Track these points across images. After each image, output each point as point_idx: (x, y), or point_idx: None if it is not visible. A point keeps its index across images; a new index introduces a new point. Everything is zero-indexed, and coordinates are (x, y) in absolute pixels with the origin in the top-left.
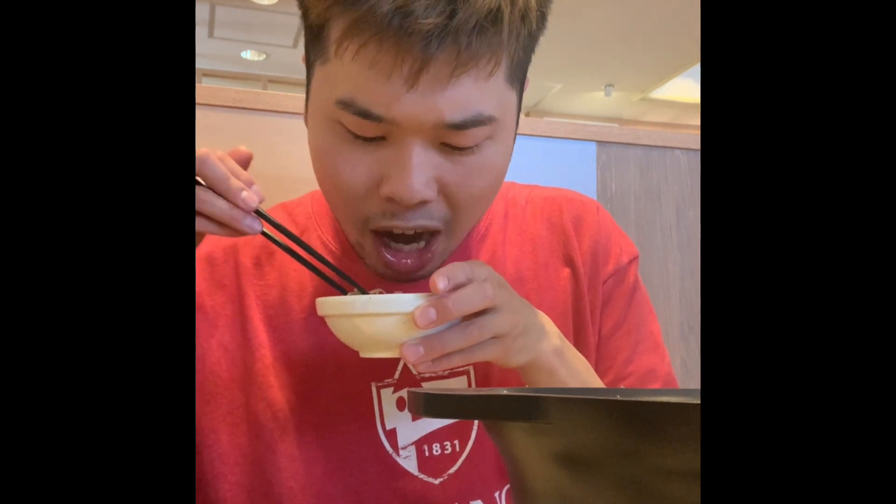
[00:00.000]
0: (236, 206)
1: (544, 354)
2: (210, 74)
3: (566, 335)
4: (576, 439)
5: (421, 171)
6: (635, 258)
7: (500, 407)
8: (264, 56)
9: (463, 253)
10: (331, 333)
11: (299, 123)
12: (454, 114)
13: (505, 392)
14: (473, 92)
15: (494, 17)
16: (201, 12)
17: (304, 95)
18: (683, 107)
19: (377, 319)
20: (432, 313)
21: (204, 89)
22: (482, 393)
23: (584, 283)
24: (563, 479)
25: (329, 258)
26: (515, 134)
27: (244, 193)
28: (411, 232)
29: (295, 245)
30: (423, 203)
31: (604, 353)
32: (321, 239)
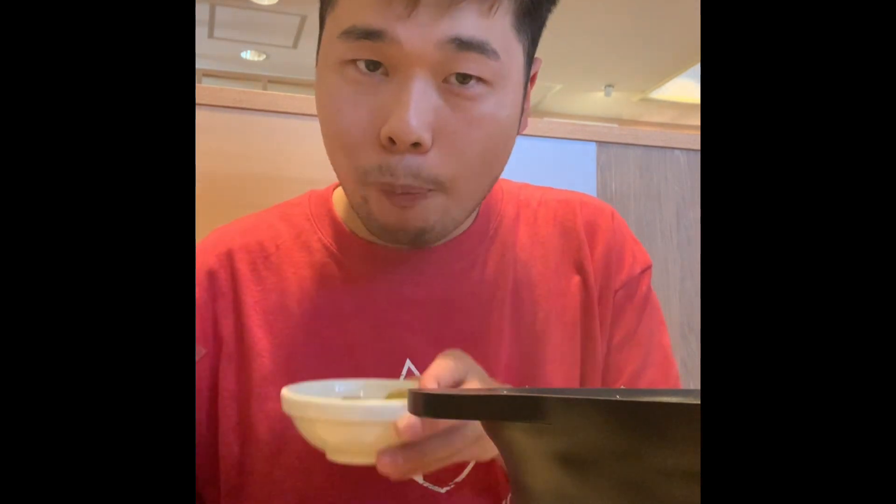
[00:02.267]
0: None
1: None
2: (210, 74)
3: (573, 345)
4: (576, 439)
5: (419, 108)
6: (648, 268)
7: (500, 407)
8: (264, 56)
9: (471, 254)
10: (334, 338)
11: (299, 123)
12: (457, 29)
13: (505, 392)
14: (476, 21)
15: None
16: (201, 12)
17: (304, 96)
18: (683, 107)
19: (354, 427)
20: (418, 426)
21: (204, 89)
22: (482, 393)
23: (594, 292)
24: (563, 479)
25: (329, 258)
26: (522, 104)
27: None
28: (400, 191)
29: None
30: (418, 148)
31: (613, 364)
32: (321, 241)
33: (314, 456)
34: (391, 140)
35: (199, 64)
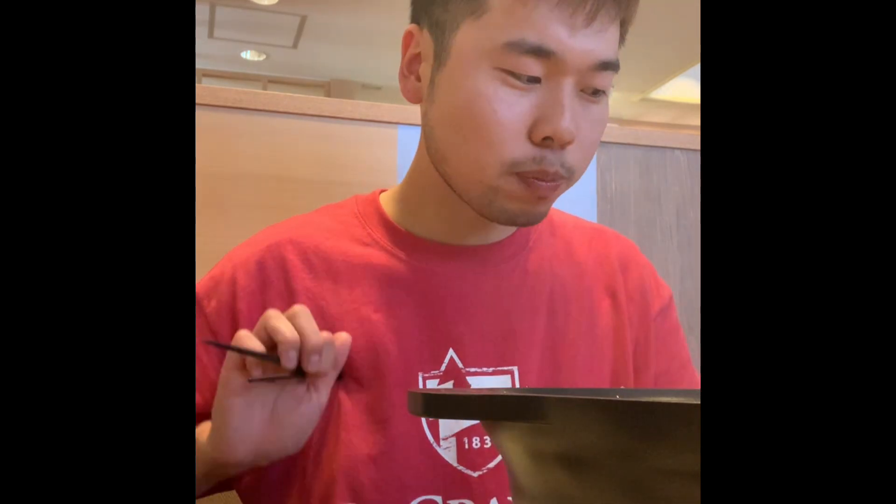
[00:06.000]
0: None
1: None
2: (210, 74)
3: (603, 363)
4: (576, 439)
5: (571, 112)
6: (671, 296)
7: (500, 407)
8: (264, 56)
9: (514, 258)
10: (382, 323)
11: (299, 123)
12: (606, 54)
13: (505, 392)
14: (615, 38)
15: None
16: (201, 12)
17: (304, 96)
18: (683, 107)
19: None
20: None
21: (204, 89)
22: (482, 393)
23: (625, 319)
24: (563, 479)
25: (379, 250)
26: None
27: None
28: (550, 179)
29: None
30: (569, 144)
31: (665, 386)
32: (371, 235)
33: (361, 431)
34: (547, 138)
35: (199, 64)
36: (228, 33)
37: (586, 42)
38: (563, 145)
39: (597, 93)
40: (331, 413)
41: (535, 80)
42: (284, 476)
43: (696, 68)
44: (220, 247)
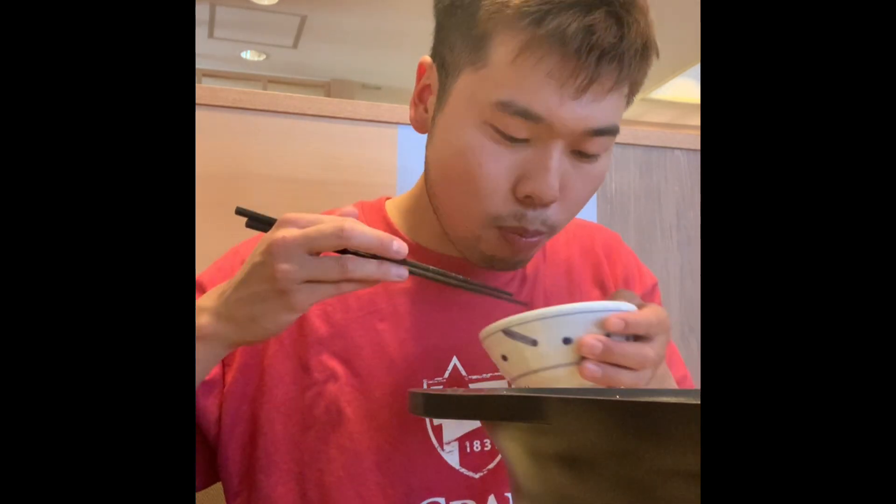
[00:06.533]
0: (387, 259)
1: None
2: (210, 75)
3: None
4: (576, 439)
5: (557, 174)
6: (655, 284)
7: (500, 407)
8: (264, 56)
9: (512, 269)
10: (387, 331)
11: (299, 124)
12: (600, 122)
13: (505, 392)
14: (616, 106)
15: (646, 45)
16: (201, 12)
17: (303, 96)
18: (683, 107)
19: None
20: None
21: (204, 89)
22: (482, 393)
23: None
24: (563, 479)
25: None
26: None
27: (395, 244)
28: (529, 235)
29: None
30: (551, 203)
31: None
32: None
33: (366, 436)
34: (529, 196)
35: (199, 64)
36: (228, 33)
37: (578, 110)
38: (544, 205)
39: (590, 156)
40: (333, 421)
41: (522, 140)
42: (289, 486)
43: (696, 68)
44: (219, 247)
